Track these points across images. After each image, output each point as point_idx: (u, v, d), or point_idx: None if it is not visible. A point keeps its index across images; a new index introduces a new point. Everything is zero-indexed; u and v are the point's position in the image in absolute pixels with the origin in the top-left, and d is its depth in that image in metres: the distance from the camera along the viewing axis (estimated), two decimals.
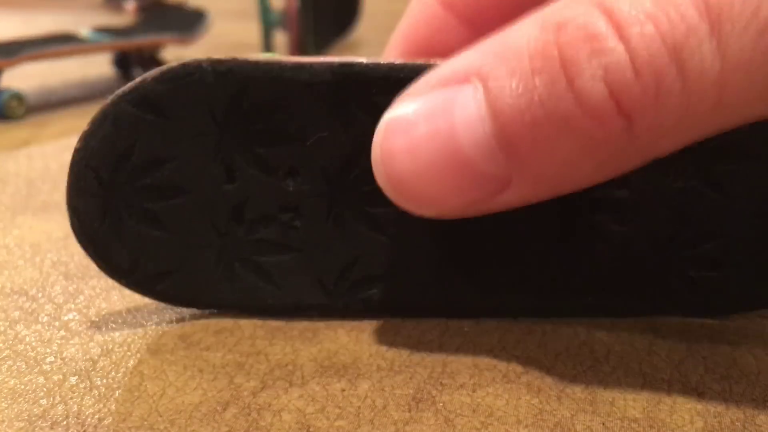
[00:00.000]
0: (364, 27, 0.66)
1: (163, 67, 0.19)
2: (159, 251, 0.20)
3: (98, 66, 0.54)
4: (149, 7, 0.64)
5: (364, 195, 0.20)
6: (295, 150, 0.19)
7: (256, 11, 0.57)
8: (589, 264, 0.20)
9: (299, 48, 0.54)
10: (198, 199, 0.20)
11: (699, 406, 0.18)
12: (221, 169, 0.19)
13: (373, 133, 0.19)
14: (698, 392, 0.18)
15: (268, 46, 0.56)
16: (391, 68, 0.19)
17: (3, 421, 0.17)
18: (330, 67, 0.19)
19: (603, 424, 0.17)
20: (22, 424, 0.17)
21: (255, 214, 0.20)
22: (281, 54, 0.58)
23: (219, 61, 0.19)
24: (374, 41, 0.65)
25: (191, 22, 0.55)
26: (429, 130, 0.16)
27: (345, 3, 0.64)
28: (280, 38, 0.56)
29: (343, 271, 0.20)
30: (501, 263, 0.20)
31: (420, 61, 0.19)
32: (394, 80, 0.19)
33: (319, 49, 0.57)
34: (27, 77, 0.50)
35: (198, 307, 0.21)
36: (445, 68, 0.16)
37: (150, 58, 0.52)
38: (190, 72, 0.19)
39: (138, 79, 0.19)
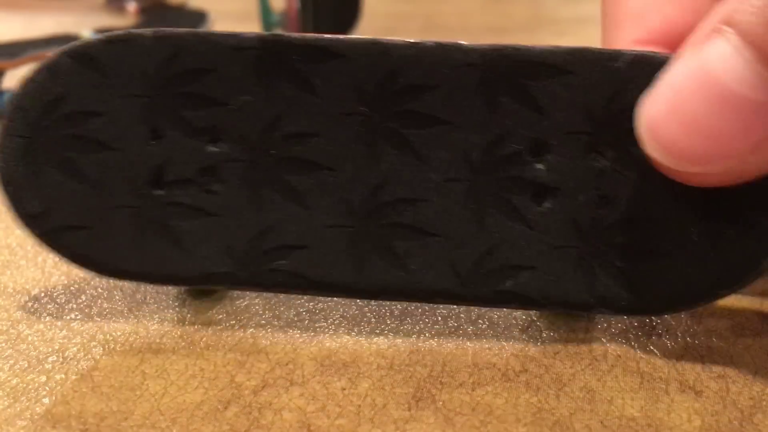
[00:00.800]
0: (364, 28, 0.66)
1: (109, 32, 0.20)
2: (73, 203, 0.20)
3: None
4: (150, 8, 0.64)
5: (281, 162, 0.20)
6: (218, 114, 0.20)
7: (257, 13, 0.57)
8: (508, 248, 0.20)
9: None
10: (120, 158, 0.20)
11: (697, 405, 0.18)
12: (146, 130, 0.20)
13: (295, 100, 0.19)
14: (696, 391, 0.18)
15: None
16: (317, 37, 0.19)
17: (6, 419, 0.17)
18: (259, 35, 0.19)
19: (601, 422, 0.17)
20: (24, 423, 0.17)
21: (174, 176, 0.20)
22: None
23: (160, 29, 0.20)
24: None
25: (192, 24, 0.55)
26: (689, 86, 0.16)
27: (345, 4, 0.64)
28: None
29: (254, 239, 0.20)
30: (418, 241, 0.20)
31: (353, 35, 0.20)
32: (318, 48, 0.19)
33: None
34: None
35: (103, 273, 0.21)
36: (691, 37, 0.17)
37: None
38: (133, 36, 0.19)
39: (83, 39, 0.20)
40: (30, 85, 0.20)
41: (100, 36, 0.20)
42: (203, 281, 0.20)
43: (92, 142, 0.20)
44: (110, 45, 0.20)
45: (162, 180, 0.20)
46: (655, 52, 0.19)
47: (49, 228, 0.20)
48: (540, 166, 0.19)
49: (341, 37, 0.19)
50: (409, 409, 0.18)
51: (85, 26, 0.52)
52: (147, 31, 0.20)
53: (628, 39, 0.22)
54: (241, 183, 0.20)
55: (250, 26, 0.64)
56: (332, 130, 0.20)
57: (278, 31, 0.20)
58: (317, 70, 0.19)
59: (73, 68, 0.19)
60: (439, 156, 0.20)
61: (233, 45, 0.19)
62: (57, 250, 0.21)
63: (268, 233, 0.20)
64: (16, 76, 0.46)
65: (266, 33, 0.20)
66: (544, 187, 0.20)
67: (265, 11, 0.55)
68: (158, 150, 0.20)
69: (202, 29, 0.20)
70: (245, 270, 0.20)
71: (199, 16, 0.57)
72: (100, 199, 0.20)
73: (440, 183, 0.20)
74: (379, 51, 0.19)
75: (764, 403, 0.18)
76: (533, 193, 0.20)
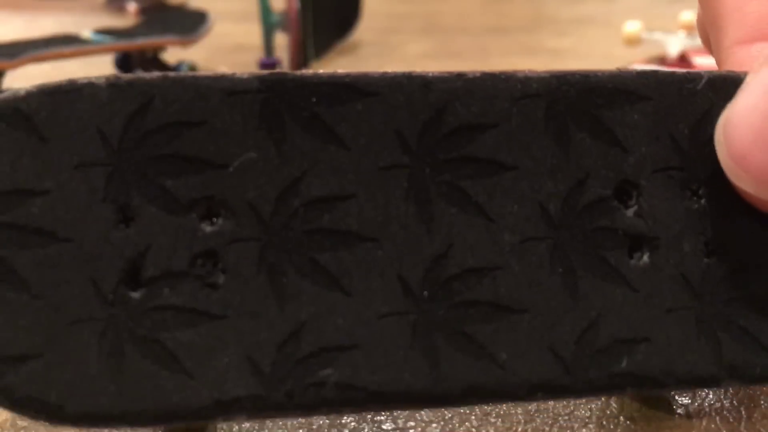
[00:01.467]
0: (364, 28, 0.66)
1: (46, 83, 0.15)
2: (15, 323, 0.14)
3: (100, 67, 0.55)
4: (151, 8, 0.64)
5: (307, 236, 0.15)
6: (213, 179, 0.15)
7: (257, 13, 0.57)
8: (614, 318, 0.16)
9: (299, 49, 0.54)
10: (77, 252, 0.14)
11: (695, 405, 0.18)
12: (112, 210, 0.15)
13: (317, 154, 0.15)
14: (695, 391, 0.18)
15: (269, 48, 0.57)
16: (337, 74, 0.15)
17: (6, 420, 0.17)
18: (258, 75, 0.15)
19: (600, 422, 0.17)
20: (25, 423, 0.17)
21: (157, 270, 0.15)
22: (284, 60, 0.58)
23: (117, 77, 0.15)
24: (374, 43, 0.65)
25: (193, 24, 0.55)
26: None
27: (345, 4, 0.64)
28: (281, 40, 0.57)
29: (285, 344, 0.15)
30: (502, 322, 0.16)
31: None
32: (338, 86, 0.15)
33: (319, 50, 0.57)
34: (29, 79, 0.50)
35: (61, 420, 0.14)
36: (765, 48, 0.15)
37: (152, 59, 0.52)
38: (78, 87, 0.15)
39: (11, 91, 0.15)
40: None
41: (33, 88, 0.15)
42: (219, 412, 0.15)
43: (33, 233, 0.14)
44: (49, 98, 0.15)
45: (140, 277, 0.15)
46: (733, 71, 0.17)
47: None
48: (631, 212, 0.16)
49: (368, 73, 0.16)
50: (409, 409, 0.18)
51: (85, 26, 0.52)
52: (99, 79, 0.15)
53: (731, 41, 0.18)
54: (255, 270, 0.15)
55: (251, 27, 0.64)
56: (370, 190, 0.15)
57: (279, 45, 0.16)
58: (343, 114, 0.15)
59: (0, 132, 0.14)
60: (511, 211, 0.16)
61: (227, 89, 0.15)
62: None
63: (301, 335, 0.15)
64: (16, 76, 0.46)
65: (267, 72, 0.15)
66: (640, 237, 0.16)
67: (265, 11, 0.55)
68: (131, 236, 0.15)
69: (178, 72, 0.15)
70: (277, 389, 0.15)
71: (200, 16, 0.57)
72: (54, 313, 0.14)
73: (517, 245, 0.16)
74: (417, 86, 0.16)
75: (764, 403, 0.18)
76: (629, 246, 0.16)
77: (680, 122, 0.16)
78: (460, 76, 0.16)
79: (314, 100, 0.15)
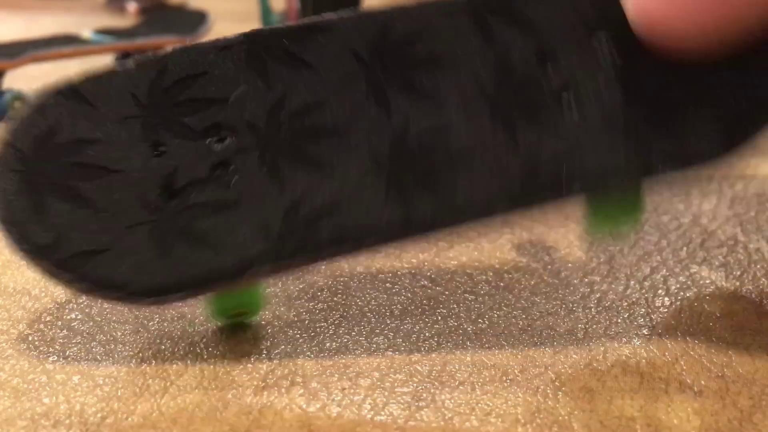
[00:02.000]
0: None
1: (90, 70, 0.20)
2: (85, 229, 0.19)
3: None
4: (151, 8, 0.64)
5: (295, 134, 0.20)
6: (218, 110, 0.20)
7: (257, 12, 0.57)
8: (552, 151, 0.20)
9: None
10: (126, 178, 0.20)
11: (696, 405, 0.18)
12: (147, 147, 0.20)
13: (294, 78, 0.20)
14: (695, 391, 0.18)
15: None
16: (299, 21, 0.20)
17: (6, 419, 0.17)
18: (241, 33, 0.20)
19: (601, 422, 0.17)
20: (25, 423, 0.17)
21: (186, 180, 0.20)
22: None
23: (142, 57, 0.20)
24: None
25: (193, 24, 0.55)
26: None
27: (345, 4, 0.64)
28: None
29: (287, 213, 0.20)
30: (456, 165, 0.20)
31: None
32: (304, 28, 0.20)
33: None
34: (30, 78, 0.50)
35: (131, 294, 0.19)
36: None
37: None
38: (116, 69, 0.20)
39: (67, 79, 0.20)
40: (17, 123, 0.19)
41: (82, 75, 0.20)
42: (244, 268, 0.20)
43: (92, 168, 0.20)
44: (92, 77, 0.20)
45: (174, 187, 0.20)
46: None
47: (65, 256, 0.19)
48: (551, 69, 0.21)
49: (324, 15, 0.20)
50: (409, 409, 0.18)
51: (85, 26, 0.52)
52: (129, 62, 0.20)
53: None
54: (258, 168, 0.20)
55: (251, 27, 0.64)
56: (338, 94, 0.20)
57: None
58: (308, 46, 0.20)
59: (59, 102, 0.19)
60: (452, 90, 0.20)
61: (220, 46, 0.20)
62: (75, 279, 0.19)
63: (300, 203, 0.20)
64: (17, 76, 0.46)
65: (249, 30, 0.20)
66: (564, 85, 0.21)
67: (265, 11, 0.55)
68: (164, 161, 0.20)
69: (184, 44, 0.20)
70: (287, 245, 0.20)
71: (199, 17, 0.57)
72: (113, 221, 0.19)
73: (462, 110, 0.20)
74: (364, 15, 0.21)
75: (764, 403, 0.18)
76: (553, 96, 0.21)
77: None
78: (397, 5, 0.20)
79: (285, 41, 0.20)
